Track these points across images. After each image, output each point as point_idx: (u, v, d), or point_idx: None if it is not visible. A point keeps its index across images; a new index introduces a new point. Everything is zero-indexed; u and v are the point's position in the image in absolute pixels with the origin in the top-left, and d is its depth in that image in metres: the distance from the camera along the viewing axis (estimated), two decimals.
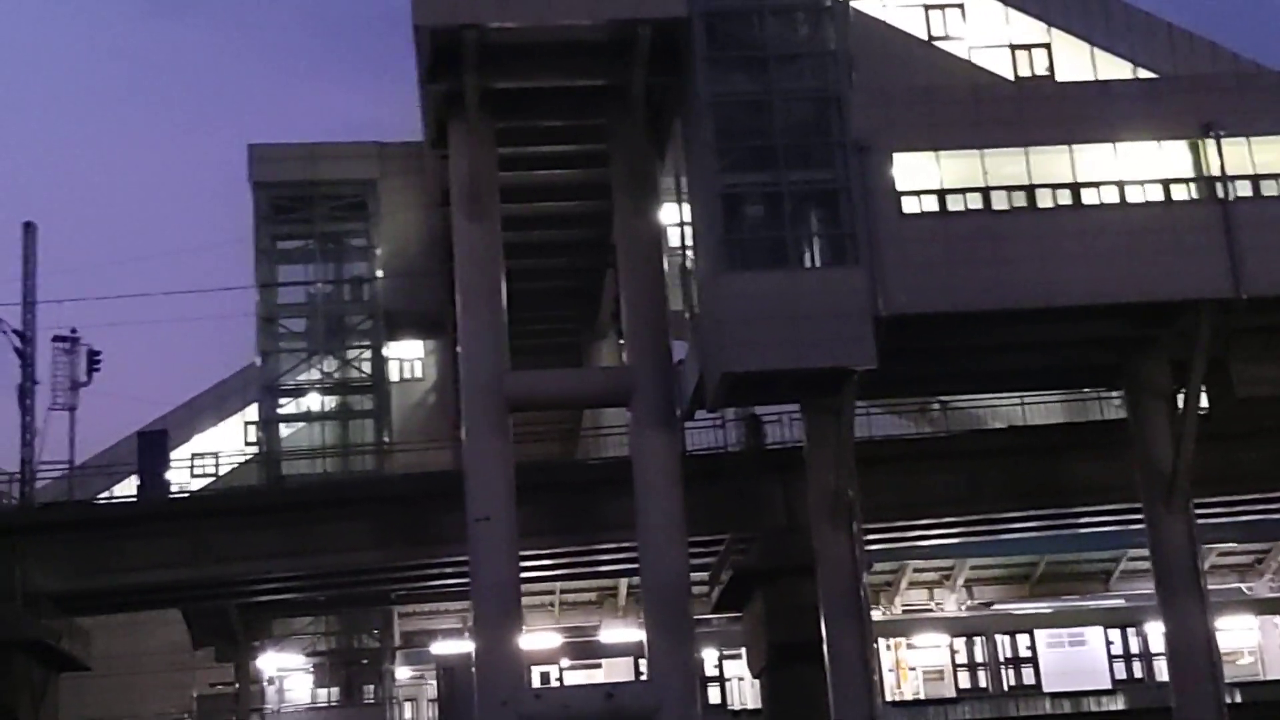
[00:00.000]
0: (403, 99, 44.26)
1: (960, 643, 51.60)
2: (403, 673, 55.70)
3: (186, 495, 48.37)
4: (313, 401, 50.55)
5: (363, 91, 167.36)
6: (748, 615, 46.70)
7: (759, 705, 47.55)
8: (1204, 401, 40.17)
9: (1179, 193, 37.80)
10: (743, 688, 51.12)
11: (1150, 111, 38.11)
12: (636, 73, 37.75)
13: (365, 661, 54.74)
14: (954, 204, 37.30)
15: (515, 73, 38.02)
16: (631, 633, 51.28)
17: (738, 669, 50.85)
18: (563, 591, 57.74)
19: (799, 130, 36.78)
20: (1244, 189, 37.71)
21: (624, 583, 57.08)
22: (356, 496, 44.54)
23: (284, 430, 50.45)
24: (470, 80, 37.58)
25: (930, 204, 37.31)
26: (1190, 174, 37.77)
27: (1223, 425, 40.92)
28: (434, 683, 53.01)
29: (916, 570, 57.72)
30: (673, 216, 41.50)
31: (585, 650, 52.61)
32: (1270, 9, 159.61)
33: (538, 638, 52.28)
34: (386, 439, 49.50)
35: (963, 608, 57.58)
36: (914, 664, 51.46)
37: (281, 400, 50.08)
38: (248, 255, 50.54)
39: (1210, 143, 37.65)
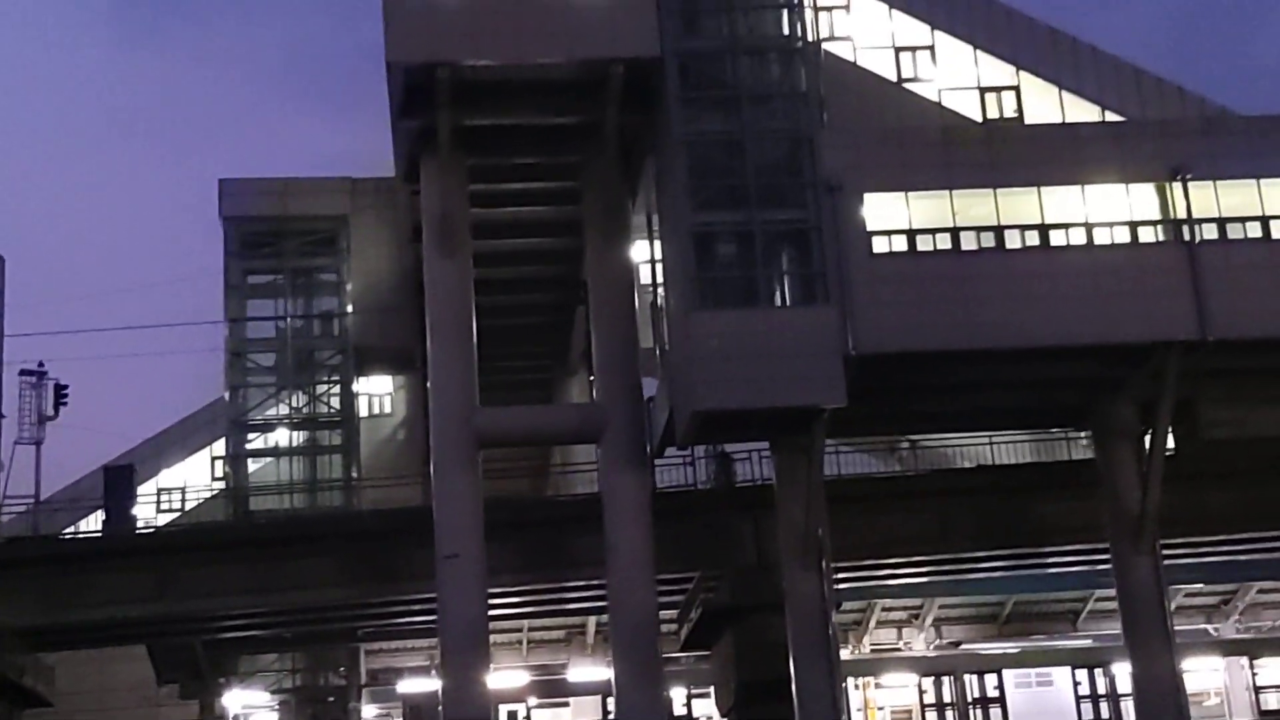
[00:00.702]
0: (375, 134, 44.34)
1: (929, 682, 51.68)
2: (369, 711, 55.38)
3: (152, 530, 48.08)
4: (281, 437, 50.36)
5: (335, 126, 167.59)
6: (717, 653, 46.65)
7: None
8: (1171, 443, 40.40)
9: (1146, 235, 38.11)
10: None
11: (1118, 154, 38.42)
12: (609, 111, 37.92)
13: (331, 699, 54.40)
14: (924, 244, 37.50)
15: (488, 110, 38.13)
16: (600, 671, 51.12)
17: (706, 708, 50.77)
18: (531, 629, 57.54)
19: (771, 170, 37.00)
20: (1211, 232, 38.05)
21: (592, 621, 56.92)
22: (324, 532, 44.33)
23: (252, 465, 50.21)
24: (443, 117, 37.68)
25: (900, 244, 37.50)
26: (1157, 217, 38.07)
27: (1190, 467, 41.15)
28: None
29: (885, 609, 57.75)
30: (644, 254, 41.63)
31: (553, 689, 52.44)
32: (1238, 55, 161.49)
33: (505, 676, 52.08)
34: (355, 475, 49.31)
35: (931, 647, 57.62)
36: (882, 703, 51.46)
37: (249, 435, 49.86)
38: (218, 290, 50.42)
39: (1177, 186, 37.99)
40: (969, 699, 51.19)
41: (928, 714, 51.84)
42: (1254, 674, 53.37)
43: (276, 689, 55.24)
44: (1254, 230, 38.28)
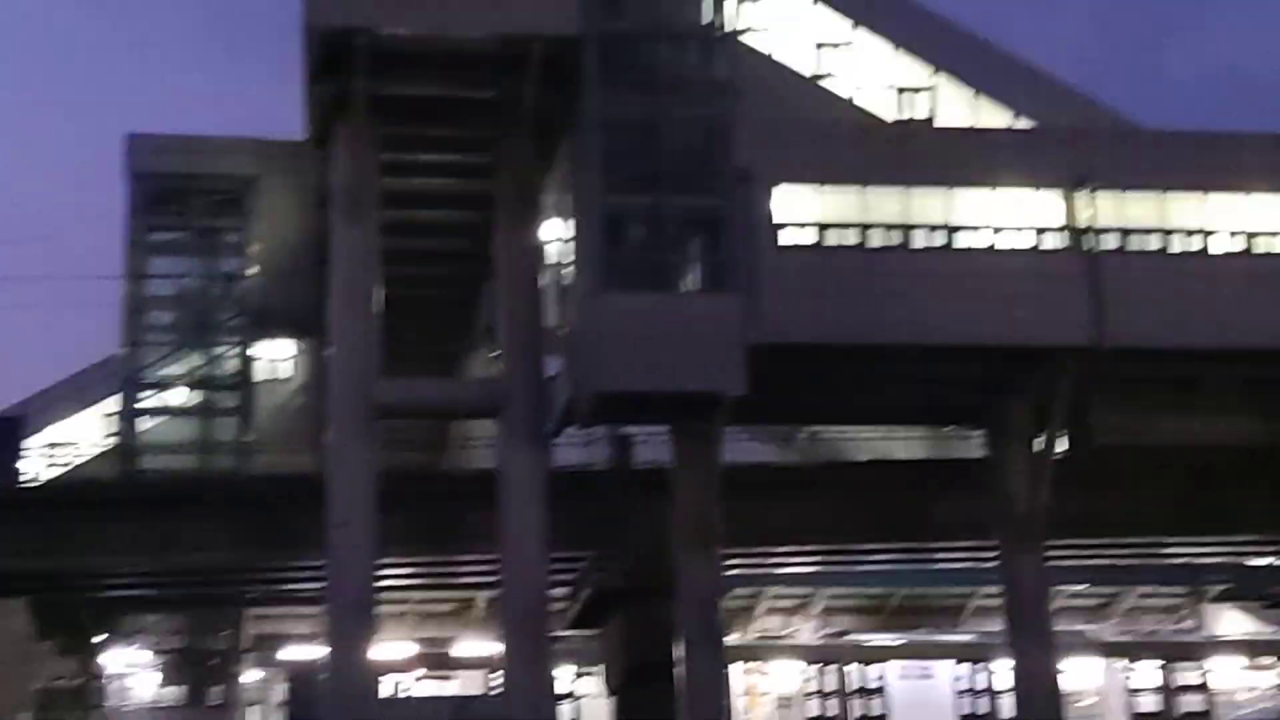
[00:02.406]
0: (288, 95, 43.80)
1: (813, 670, 52.11)
2: (251, 675, 54.92)
3: (40, 484, 47.36)
4: (176, 396, 49.79)
5: (248, 84, 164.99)
6: (606, 634, 46.76)
7: None
8: (1063, 447, 41.05)
9: (1050, 241, 38.69)
10: (595, 706, 51.15)
11: (1026, 160, 38.98)
12: (527, 88, 37.74)
13: (214, 662, 53.89)
14: (832, 238, 37.82)
15: (404, 79, 37.77)
16: (487, 646, 51.06)
17: (592, 686, 50.86)
18: (419, 602, 57.31)
19: (685, 156, 37.05)
20: (1112, 241, 38.71)
21: (482, 596, 56.81)
22: (215, 495, 43.96)
23: (145, 424, 49.61)
24: (358, 84, 37.29)
25: (809, 237, 37.77)
26: (1062, 223, 38.66)
27: (1080, 471, 41.83)
28: (283, 687, 52.37)
29: (774, 597, 58.16)
30: (554, 233, 41.54)
31: (439, 661, 52.27)
32: (1151, 69, 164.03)
33: (391, 647, 51.82)
34: (249, 439, 48.87)
35: (818, 636, 58.13)
36: (766, 690, 51.84)
37: (144, 393, 49.24)
38: (120, 245, 49.70)
39: (1082, 194, 38.58)
40: (851, 688, 51.70)
41: (810, 702, 52.32)
42: (1129, 676, 54.39)
43: (159, 649, 54.65)
44: (1154, 242, 39.02)
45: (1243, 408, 41.87)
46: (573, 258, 39.16)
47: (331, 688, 37.33)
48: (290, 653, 53.14)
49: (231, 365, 49.59)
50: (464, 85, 38.32)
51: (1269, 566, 51.96)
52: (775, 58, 41.67)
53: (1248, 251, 39.54)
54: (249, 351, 49.63)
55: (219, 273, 50.39)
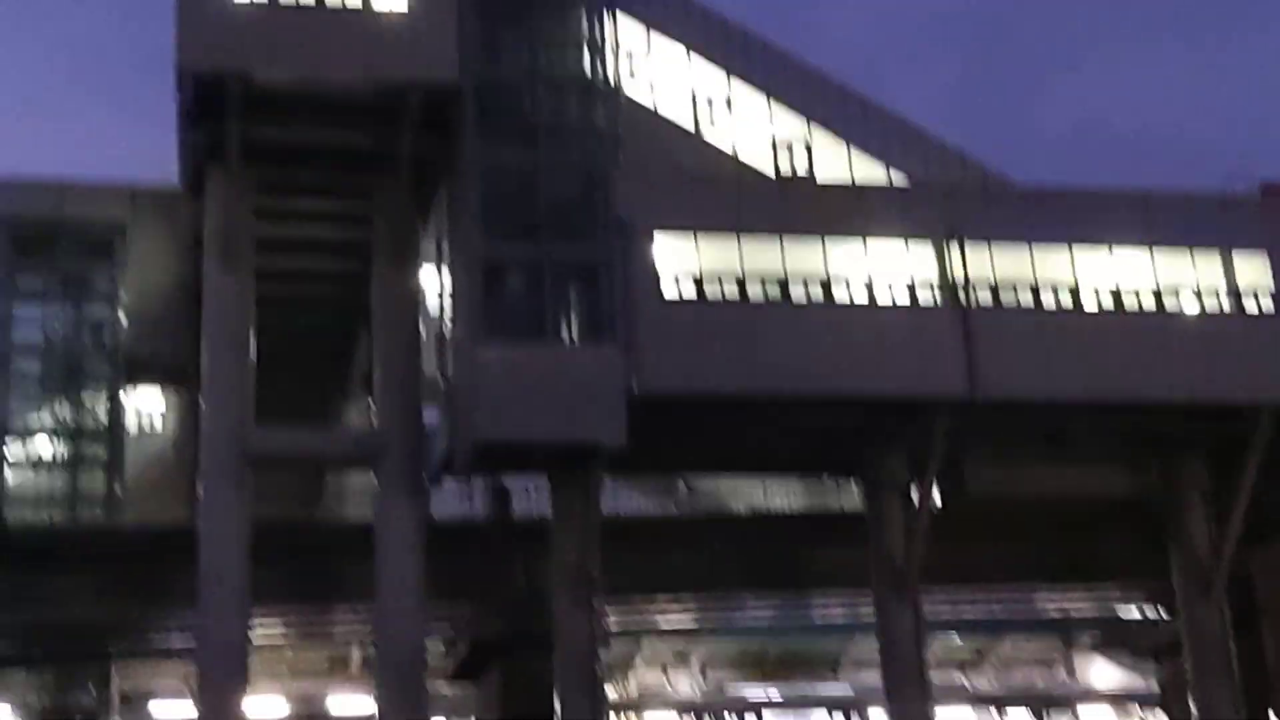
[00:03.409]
0: (160, 138, 43.12)
1: None
2: None
3: None
4: (43, 447, 48.55)
5: (119, 127, 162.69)
6: (483, 687, 46.33)
7: None
8: (938, 498, 41.46)
9: (924, 295, 39.19)
10: None
11: (900, 214, 39.56)
12: (404, 136, 37.58)
13: (80, 719, 52.44)
14: (711, 288, 38.00)
15: (279, 124, 37.41)
16: (362, 701, 50.26)
17: None
18: (293, 656, 56.33)
19: (564, 205, 37.13)
20: (985, 296, 39.29)
21: (357, 650, 55.97)
22: (83, 548, 42.86)
23: (10, 475, 48.29)
24: (232, 129, 36.90)
25: (689, 288, 37.93)
26: (935, 278, 39.19)
27: (954, 522, 42.25)
28: None
29: (653, 650, 58.00)
30: (432, 282, 41.28)
31: (312, 717, 51.39)
32: (1020, 124, 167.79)
33: (263, 702, 50.84)
34: (119, 490, 47.77)
35: (696, 688, 58.01)
36: None
37: (9, 443, 47.96)
38: None
39: (954, 249, 39.16)
40: None
41: None
42: None
43: (23, 707, 53.07)
44: (1025, 296, 39.68)
45: (1111, 460, 42.69)
46: (451, 307, 38.96)
47: None
48: (160, 708, 51.96)
49: (101, 415, 48.44)
50: (340, 132, 38.06)
51: (1139, 620, 52.78)
52: (653, 108, 41.93)
53: (1116, 307, 40.33)
54: (119, 401, 48.54)
55: (88, 320, 49.29)
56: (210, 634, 36.99)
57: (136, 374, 48.59)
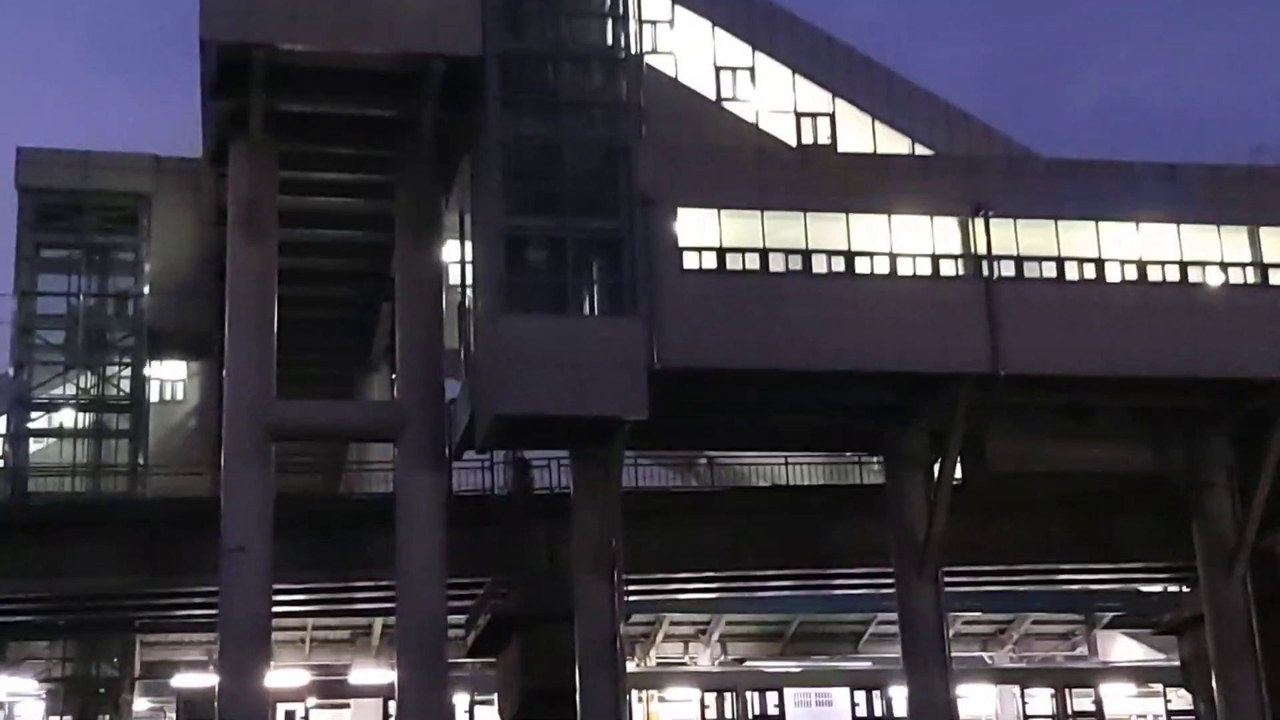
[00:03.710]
0: (184, 109, 43.14)
1: (711, 697, 52.03)
2: (141, 704, 53.88)
3: None
4: (66, 418, 48.73)
5: (144, 98, 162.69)
6: (503, 660, 46.36)
7: None
8: (960, 474, 41.34)
9: (947, 268, 39.01)
10: None
11: (924, 188, 39.29)
12: (427, 107, 37.49)
13: (102, 690, 52.72)
14: (733, 263, 37.87)
15: (303, 96, 37.42)
16: (383, 674, 50.46)
17: (490, 715, 50.42)
18: (315, 628, 56.63)
19: (586, 178, 36.99)
20: (1009, 269, 39.09)
21: (378, 622, 56.22)
22: (106, 519, 43.02)
23: (34, 446, 48.51)
24: (256, 100, 36.88)
25: (710, 261, 37.82)
26: (959, 251, 39.00)
27: (976, 498, 42.12)
28: (174, 715, 51.45)
29: (673, 624, 58.14)
30: (455, 254, 41.26)
31: (334, 690, 51.62)
32: (1052, 101, 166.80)
33: (285, 674, 51.09)
34: (142, 461, 47.93)
35: (716, 663, 58.13)
36: (665, 716, 51.68)
37: (33, 414, 48.15)
38: (7, 262, 48.68)
39: (978, 222, 38.95)
40: (750, 715, 51.68)
41: None
42: (1024, 703, 54.88)
43: (45, 677, 53.41)
44: (1049, 270, 39.47)
45: (1135, 435, 42.46)
46: (473, 280, 38.91)
47: (225, 715, 36.69)
48: (182, 680, 52.22)
49: (124, 386, 48.61)
50: (363, 103, 38.02)
51: (1161, 593, 52.67)
52: (677, 80, 41.74)
53: (1140, 280, 40.09)
54: (142, 372, 48.68)
55: (112, 291, 49.41)
56: (233, 606, 37.09)
57: (160, 345, 48.78)
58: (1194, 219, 40.37)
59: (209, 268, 46.01)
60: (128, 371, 48.64)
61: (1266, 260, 40.62)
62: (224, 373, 39.56)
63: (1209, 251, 40.42)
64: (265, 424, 37.78)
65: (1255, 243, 40.65)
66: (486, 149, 36.83)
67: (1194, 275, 40.30)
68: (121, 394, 48.56)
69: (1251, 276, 40.48)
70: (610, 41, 38.11)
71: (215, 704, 37.70)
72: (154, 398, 50.10)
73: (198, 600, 44.28)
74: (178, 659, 56.06)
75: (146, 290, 48.59)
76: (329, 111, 38.16)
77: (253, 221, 38.51)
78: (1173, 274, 40.20)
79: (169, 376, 51.57)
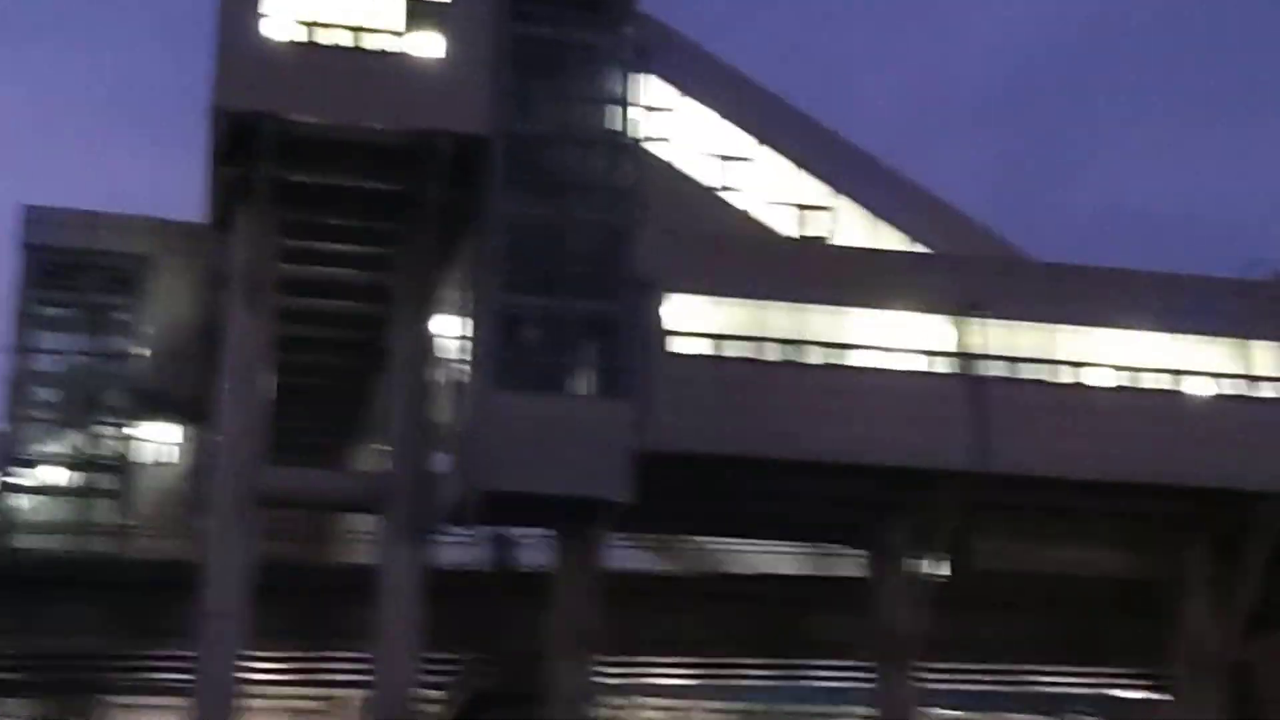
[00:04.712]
0: (190, 174, 43.54)
1: None
2: None
3: None
4: (56, 475, 48.73)
5: (151, 161, 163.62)
6: None
7: None
8: (946, 570, 41.39)
9: (939, 365, 39.30)
10: None
11: (919, 284, 39.70)
12: (432, 183, 37.84)
13: None
14: (725, 350, 38.15)
15: (310, 167, 37.74)
16: None
17: None
18: (288, 697, 56.14)
19: (586, 260, 37.33)
20: (1000, 369, 39.40)
21: (353, 694, 55.75)
22: (88, 578, 42.89)
23: (21, 501, 48.47)
24: (263, 169, 37.20)
25: (703, 347, 38.09)
26: (952, 349, 39.32)
27: (958, 594, 42.15)
28: None
29: (649, 708, 57.72)
30: (450, 330, 41.46)
31: None
32: (1055, 205, 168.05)
33: None
34: (127, 522, 47.89)
35: None
36: None
37: (22, 470, 48.16)
38: (6, 318, 48.93)
39: (972, 321, 39.30)
40: None
41: None
42: None
43: None
44: (1041, 372, 39.77)
45: (1119, 540, 42.59)
46: (468, 355, 39.12)
47: None
48: None
49: (114, 446, 48.67)
50: (369, 177, 38.36)
51: (1136, 700, 52.47)
52: (678, 167, 42.22)
53: (1131, 386, 40.40)
54: (133, 433, 48.76)
55: (107, 351, 49.60)
56: (207, 671, 36.94)
57: (152, 407, 48.88)
58: (1186, 329, 40.78)
59: (205, 332, 46.18)
60: (118, 432, 48.73)
61: (1256, 373, 40.98)
62: (214, 437, 39.61)
63: (1200, 361, 40.79)
64: (252, 489, 37.80)
65: (1245, 355, 41.03)
66: (489, 227, 37.19)
67: (1184, 384, 40.64)
68: (111, 454, 48.62)
69: (1241, 388, 40.82)
70: (616, 127, 38.57)
71: None
72: (145, 459, 50.15)
73: (173, 664, 44.04)
74: None
75: (142, 352, 48.79)
76: (335, 183, 38.52)
77: (252, 288, 38.72)
78: (1163, 382, 40.54)
79: (159, 438, 51.63)
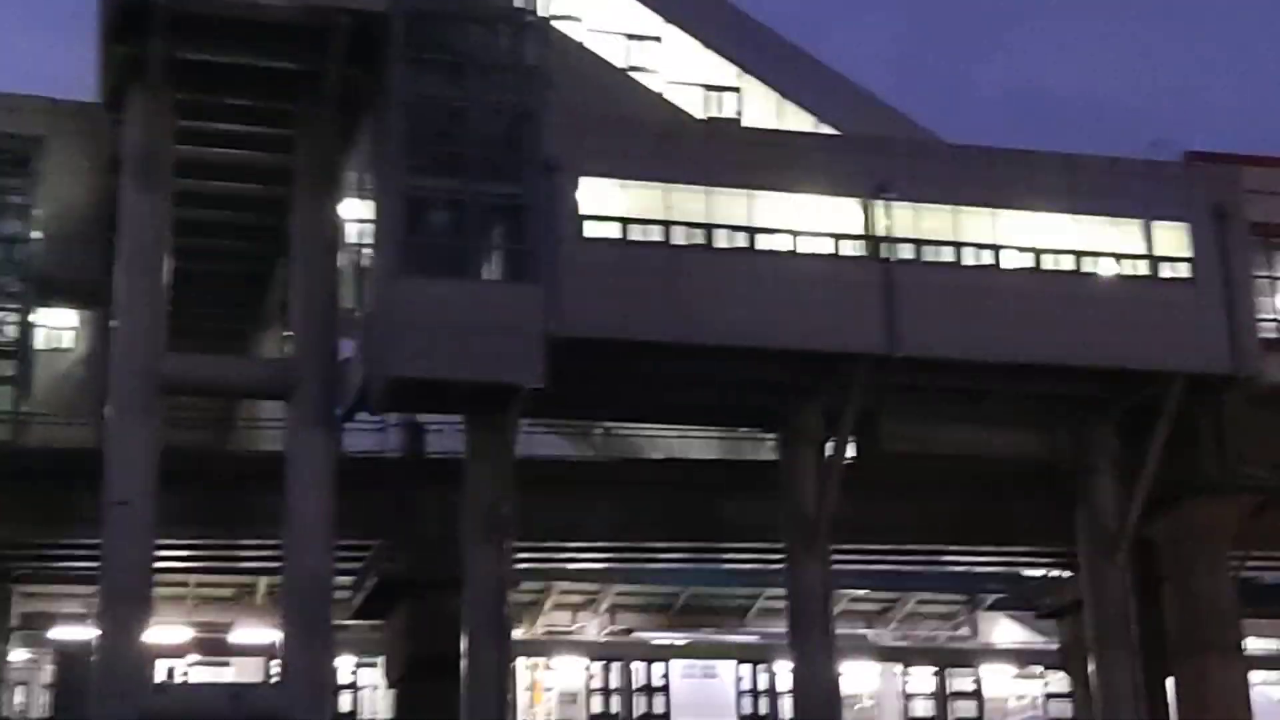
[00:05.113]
0: (83, 53, 42.18)
1: (597, 667, 52.15)
2: (17, 655, 52.93)
3: None
4: None
5: (41, 41, 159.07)
6: (389, 624, 46.16)
7: (390, 715, 46.95)
8: (854, 452, 41.65)
9: (847, 248, 39.21)
10: (375, 697, 50.45)
11: (827, 167, 39.47)
12: (331, 63, 36.96)
13: None
14: (635, 234, 37.81)
15: (205, 45, 36.66)
16: (266, 633, 49.98)
17: (373, 678, 50.16)
18: (198, 585, 55.86)
19: (491, 142, 36.71)
20: (907, 252, 39.38)
21: (263, 581, 55.58)
22: None
23: None
24: (156, 47, 36.12)
25: (613, 231, 37.71)
26: (859, 231, 39.22)
27: (868, 477, 42.47)
28: (51, 668, 50.69)
29: (562, 592, 58.06)
30: (353, 213, 40.76)
31: (215, 647, 51.08)
32: (959, 85, 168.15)
33: (166, 631, 50.43)
34: (26, 409, 46.96)
35: (604, 633, 58.21)
36: (550, 685, 51.72)
37: None
38: None
39: (879, 204, 39.19)
40: (635, 686, 51.86)
41: (594, 698, 52.38)
42: (905, 680, 55.59)
43: None
44: (947, 254, 39.82)
45: (1025, 422, 43.02)
46: (372, 239, 38.51)
47: (102, 670, 36.10)
48: (60, 633, 51.43)
49: (10, 332, 47.52)
50: (266, 55, 37.32)
51: (1043, 578, 53.45)
52: (588, 47, 41.57)
53: (1035, 268, 40.58)
54: (29, 319, 47.64)
55: (1, 235, 48.31)
56: (114, 559, 36.49)
57: (48, 292, 47.73)
58: (1089, 210, 40.92)
59: (101, 215, 44.98)
60: (15, 318, 47.58)
61: (1158, 253, 41.28)
62: (113, 323, 38.83)
63: (1103, 243, 41.01)
64: (154, 377, 37.14)
65: (1148, 236, 41.30)
66: (389, 107, 36.44)
67: (1087, 265, 40.88)
68: (7, 340, 47.52)
69: (1143, 269, 41.13)
70: (520, 3, 37.79)
71: (93, 658, 37.15)
72: (41, 345, 49.09)
73: (79, 552, 43.54)
74: (56, 611, 55.03)
75: (36, 236, 47.54)
76: (230, 61, 37.46)
77: (147, 170, 37.78)
78: (1067, 263, 40.75)
79: (57, 324, 50.52)
